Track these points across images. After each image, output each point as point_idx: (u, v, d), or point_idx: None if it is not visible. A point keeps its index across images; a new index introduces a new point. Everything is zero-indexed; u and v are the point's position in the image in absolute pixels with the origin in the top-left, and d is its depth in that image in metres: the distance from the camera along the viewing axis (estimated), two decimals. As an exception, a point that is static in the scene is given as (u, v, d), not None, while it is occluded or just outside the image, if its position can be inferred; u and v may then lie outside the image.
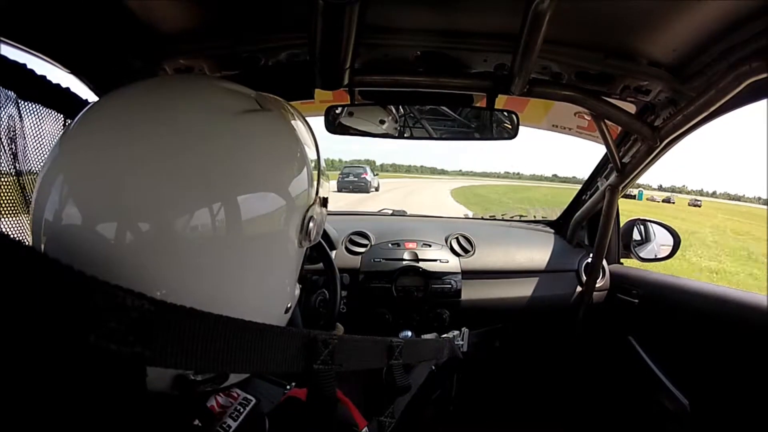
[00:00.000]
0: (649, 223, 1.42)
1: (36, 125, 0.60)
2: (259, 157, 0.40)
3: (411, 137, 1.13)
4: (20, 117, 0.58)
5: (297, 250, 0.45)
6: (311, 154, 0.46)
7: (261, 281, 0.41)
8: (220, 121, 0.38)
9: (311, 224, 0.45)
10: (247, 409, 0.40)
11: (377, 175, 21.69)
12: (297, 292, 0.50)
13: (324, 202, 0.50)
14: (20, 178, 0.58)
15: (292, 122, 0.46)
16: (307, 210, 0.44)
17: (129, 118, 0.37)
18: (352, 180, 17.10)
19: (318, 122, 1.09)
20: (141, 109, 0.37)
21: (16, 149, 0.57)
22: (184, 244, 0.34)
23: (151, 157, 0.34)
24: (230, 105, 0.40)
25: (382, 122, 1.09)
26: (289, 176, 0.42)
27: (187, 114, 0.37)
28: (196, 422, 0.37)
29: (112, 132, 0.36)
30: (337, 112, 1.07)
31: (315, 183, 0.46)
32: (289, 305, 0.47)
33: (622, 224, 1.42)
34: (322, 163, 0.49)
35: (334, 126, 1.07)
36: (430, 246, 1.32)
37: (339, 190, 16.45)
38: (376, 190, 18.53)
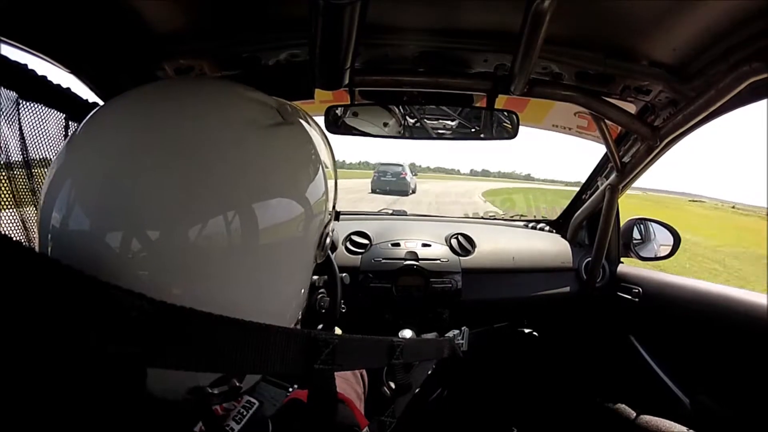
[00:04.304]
0: (649, 223, 1.42)
1: (38, 124, 0.60)
2: (283, 173, 0.40)
3: (411, 137, 1.14)
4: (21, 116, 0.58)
5: (313, 263, 0.46)
6: (328, 167, 0.47)
7: (283, 293, 0.42)
8: (246, 136, 0.38)
9: (328, 239, 0.46)
10: (251, 412, 0.40)
11: (416, 175, 18.76)
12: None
13: (337, 216, 0.50)
14: (12, 172, 0.58)
15: (312, 134, 0.46)
16: (326, 226, 0.45)
17: (148, 123, 0.35)
18: (390, 180, 14.45)
19: (318, 122, 1.10)
20: (162, 113, 0.36)
21: (19, 148, 0.57)
22: (211, 253, 0.34)
23: (174, 166, 0.33)
24: (255, 118, 0.40)
25: (385, 125, 1.10)
26: (310, 191, 0.42)
27: (214, 126, 0.36)
28: (200, 426, 0.37)
29: (133, 137, 0.34)
30: (337, 112, 1.07)
31: (332, 197, 0.47)
32: (299, 315, 0.48)
33: (622, 223, 1.42)
34: (337, 178, 0.50)
35: (335, 126, 1.07)
36: (430, 245, 1.32)
37: (373, 191, 14.23)
38: (413, 192, 15.79)
